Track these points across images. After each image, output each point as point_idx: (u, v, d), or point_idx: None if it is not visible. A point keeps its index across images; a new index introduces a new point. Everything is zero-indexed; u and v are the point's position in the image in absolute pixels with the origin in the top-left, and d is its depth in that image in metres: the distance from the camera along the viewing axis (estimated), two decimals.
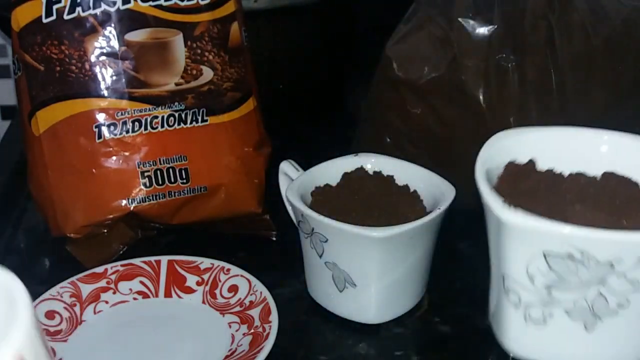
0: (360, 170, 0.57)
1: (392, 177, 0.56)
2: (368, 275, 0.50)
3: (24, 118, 0.59)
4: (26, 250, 0.63)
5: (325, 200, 0.54)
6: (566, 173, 0.48)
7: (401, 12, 0.63)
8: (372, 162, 0.57)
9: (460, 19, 0.59)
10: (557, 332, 0.40)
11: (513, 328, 0.43)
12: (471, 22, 0.59)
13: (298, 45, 0.75)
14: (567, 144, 0.47)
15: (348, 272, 0.51)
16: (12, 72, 0.62)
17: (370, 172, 0.57)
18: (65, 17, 0.57)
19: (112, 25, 0.57)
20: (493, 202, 0.40)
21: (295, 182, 0.55)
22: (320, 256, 0.51)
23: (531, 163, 0.47)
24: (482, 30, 0.59)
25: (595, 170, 0.46)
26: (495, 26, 0.59)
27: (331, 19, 0.79)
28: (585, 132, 0.47)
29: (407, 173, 0.56)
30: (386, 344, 0.52)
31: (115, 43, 0.58)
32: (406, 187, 0.55)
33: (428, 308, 0.55)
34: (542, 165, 0.47)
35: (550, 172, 0.47)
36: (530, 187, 0.45)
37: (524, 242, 0.39)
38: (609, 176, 0.47)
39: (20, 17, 0.57)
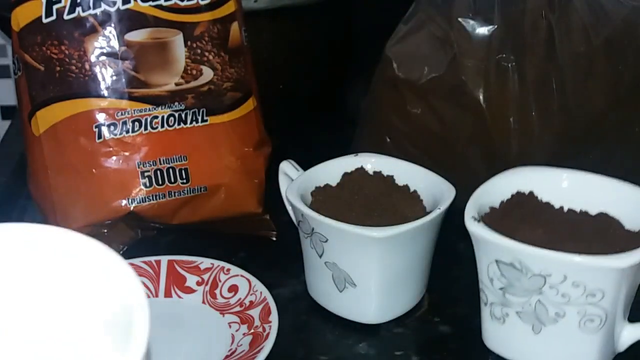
0: (360, 170, 0.57)
1: (392, 177, 0.56)
2: (368, 275, 0.50)
3: (24, 118, 0.59)
4: None
5: (325, 200, 0.54)
6: (558, 206, 0.51)
7: (401, 12, 0.63)
8: (372, 162, 0.57)
9: (460, 19, 0.59)
10: (513, 330, 0.47)
11: (485, 323, 0.49)
12: (471, 22, 0.59)
13: (298, 45, 0.75)
14: (570, 185, 0.52)
15: (348, 272, 0.51)
16: (12, 72, 0.62)
17: (370, 172, 0.57)
18: (65, 17, 0.57)
19: (112, 25, 0.57)
20: (467, 215, 0.47)
21: (295, 182, 0.55)
22: (320, 256, 0.51)
23: (531, 194, 0.52)
24: (482, 30, 0.59)
25: (594, 210, 0.51)
26: (495, 26, 0.59)
27: (331, 19, 0.79)
28: (592, 177, 0.52)
29: (407, 173, 0.56)
30: (386, 344, 0.52)
31: (115, 43, 0.58)
32: (406, 187, 0.55)
33: (428, 308, 0.55)
34: (544, 198, 0.52)
35: (544, 204, 0.52)
36: (519, 213, 0.50)
37: (484, 250, 0.46)
38: (598, 216, 0.50)
39: (20, 17, 0.57)
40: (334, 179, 0.56)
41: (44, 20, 0.57)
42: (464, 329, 0.53)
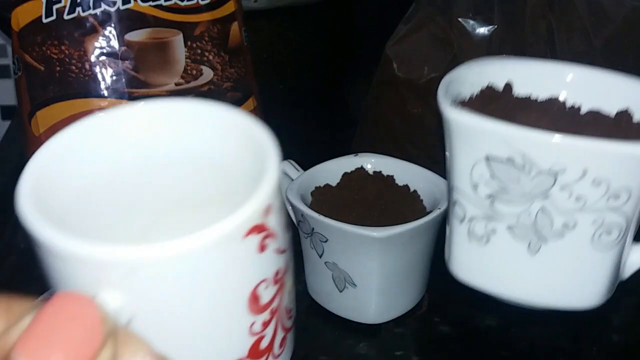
0: (360, 170, 0.57)
1: (392, 177, 0.56)
2: (368, 275, 0.50)
3: (24, 118, 0.59)
4: (26, 250, 0.63)
5: (325, 200, 0.54)
6: (542, 99, 0.44)
7: (401, 12, 0.63)
8: (372, 162, 0.57)
9: (460, 19, 0.59)
10: (499, 252, 0.38)
11: (457, 246, 0.40)
12: (471, 22, 0.59)
13: (298, 45, 0.75)
14: (553, 76, 0.43)
15: (348, 272, 0.51)
16: (12, 72, 0.62)
17: (370, 172, 0.57)
18: (65, 17, 0.57)
19: (112, 25, 0.57)
20: (443, 102, 0.38)
21: (295, 182, 0.55)
22: (320, 256, 0.51)
23: (508, 87, 0.44)
24: (482, 30, 0.59)
25: (584, 106, 0.43)
26: (495, 26, 0.59)
27: (331, 19, 0.79)
28: (578, 69, 0.44)
29: (407, 173, 0.56)
30: (386, 344, 0.52)
31: (115, 43, 0.58)
32: (406, 187, 0.55)
33: (428, 308, 0.55)
34: (520, 92, 0.44)
35: (524, 97, 0.44)
36: (498, 106, 0.42)
37: (468, 144, 0.37)
38: (594, 110, 0.43)
39: (20, 17, 0.57)
40: (334, 179, 0.56)
41: (44, 20, 0.57)
42: (464, 329, 0.53)
